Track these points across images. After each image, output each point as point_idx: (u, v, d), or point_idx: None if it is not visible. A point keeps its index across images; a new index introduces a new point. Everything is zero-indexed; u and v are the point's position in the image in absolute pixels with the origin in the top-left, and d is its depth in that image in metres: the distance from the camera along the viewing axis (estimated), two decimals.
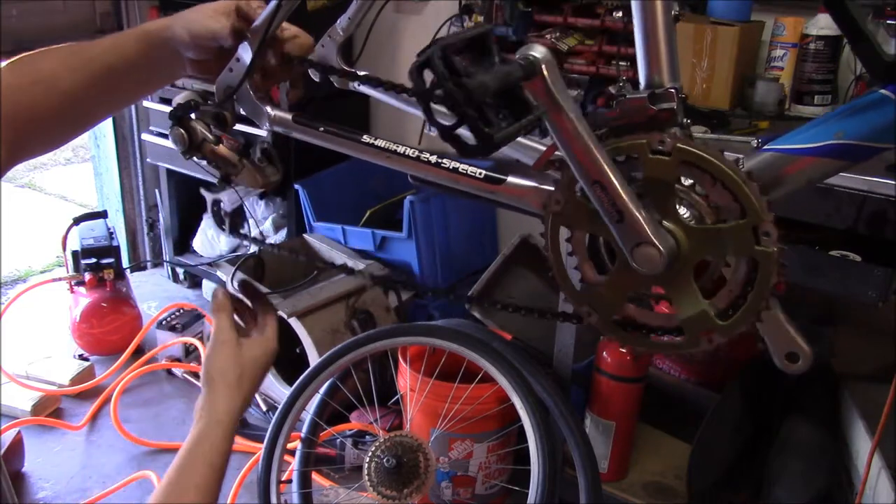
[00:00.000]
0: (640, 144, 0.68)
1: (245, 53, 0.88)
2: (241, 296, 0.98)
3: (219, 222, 1.19)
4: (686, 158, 0.66)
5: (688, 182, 0.70)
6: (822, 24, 1.73)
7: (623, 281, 0.73)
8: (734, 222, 0.65)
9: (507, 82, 0.58)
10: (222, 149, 0.97)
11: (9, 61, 0.73)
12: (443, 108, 0.57)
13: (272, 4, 0.83)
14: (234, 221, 1.18)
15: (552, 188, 0.75)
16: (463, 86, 0.54)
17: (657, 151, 0.67)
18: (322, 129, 0.92)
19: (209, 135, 0.95)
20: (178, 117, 0.94)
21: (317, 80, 1.02)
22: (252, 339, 0.93)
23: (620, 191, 0.66)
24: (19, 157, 0.75)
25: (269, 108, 0.97)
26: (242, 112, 0.99)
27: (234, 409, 0.88)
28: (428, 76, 0.57)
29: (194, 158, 0.97)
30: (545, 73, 0.62)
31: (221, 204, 1.12)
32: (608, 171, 0.66)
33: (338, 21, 1.03)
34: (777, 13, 1.84)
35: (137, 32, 0.81)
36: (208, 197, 1.15)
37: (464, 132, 0.58)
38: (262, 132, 1.05)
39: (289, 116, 0.96)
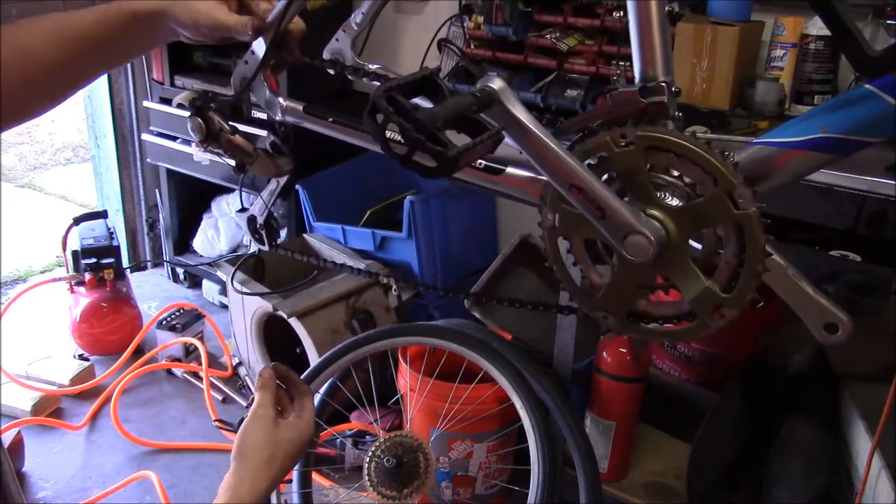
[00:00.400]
0: (604, 142, 0.70)
1: (259, 47, 0.90)
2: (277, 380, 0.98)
3: (256, 238, 1.20)
4: (649, 144, 0.69)
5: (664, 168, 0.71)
6: (822, 24, 1.73)
7: (627, 276, 0.74)
8: (709, 193, 0.67)
9: (457, 111, 0.63)
10: (238, 138, 1.00)
11: None
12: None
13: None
14: (270, 235, 1.20)
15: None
16: (412, 118, 0.59)
17: (622, 145, 0.69)
18: (331, 119, 0.95)
19: (226, 125, 0.98)
20: (198, 108, 0.97)
21: (332, 72, 1.04)
22: (290, 421, 0.93)
23: (596, 187, 0.68)
24: (5, 126, 0.76)
25: (281, 99, 0.99)
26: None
27: (259, 491, 0.86)
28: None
29: (211, 148, 1.00)
30: (504, 101, 0.67)
31: (257, 219, 1.13)
32: (580, 171, 0.68)
33: (352, 16, 1.05)
34: (777, 13, 1.84)
35: (126, 9, 0.79)
36: (241, 218, 1.18)
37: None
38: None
39: (300, 107, 0.99)
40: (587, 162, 0.73)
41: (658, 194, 0.71)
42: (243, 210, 1.19)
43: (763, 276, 0.67)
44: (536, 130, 0.68)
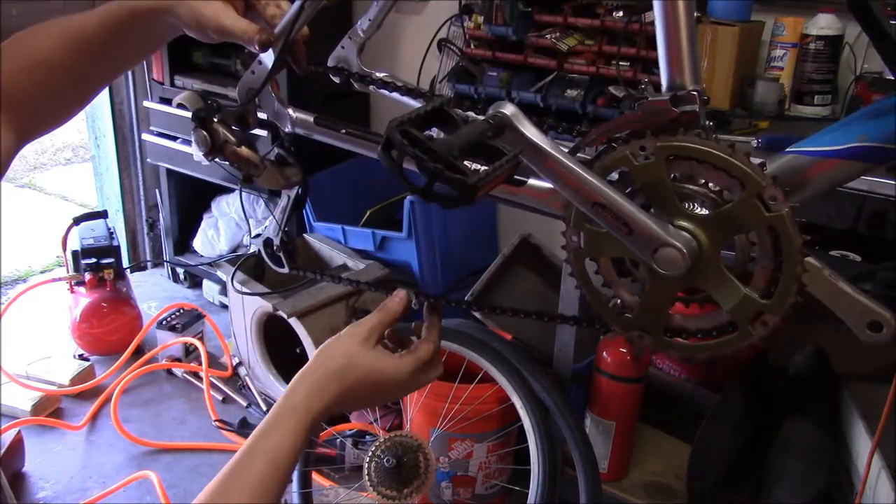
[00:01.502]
0: (623, 157, 0.69)
1: (267, 57, 0.88)
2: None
3: (276, 262, 1.15)
4: (669, 154, 0.67)
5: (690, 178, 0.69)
6: (822, 24, 1.73)
7: (660, 292, 0.72)
8: (738, 197, 0.65)
9: (472, 139, 0.62)
10: (244, 150, 0.96)
11: (3, 44, 0.72)
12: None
13: (295, 7, 0.82)
14: (289, 256, 1.15)
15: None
16: (428, 150, 0.58)
17: (641, 157, 0.68)
18: (344, 130, 0.93)
19: (231, 136, 0.95)
20: (201, 119, 0.94)
21: (338, 81, 1.02)
22: (386, 353, 0.81)
23: (620, 203, 0.67)
24: (29, 138, 0.75)
25: (290, 111, 0.97)
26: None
27: (315, 403, 0.76)
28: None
29: (216, 160, 0.97)
30: (517, 126, 0.66)
31: (273, 241, 1.08)
32: (602, 188, 0.67)
33: (358, 23, 1.03)
34: (777, 13, 1.84)
35: (129, 8, 0.77)
36: (257, 243, 1.12)
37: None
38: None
39: (310, 118, 0.96)
40: (609, 177, 0.71)
41: (685, 205, 0.69)
42: (257, 236, 1.15)
43: (802, 277, 0.65)
44: (553, 151, 0.67)
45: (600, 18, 1.97)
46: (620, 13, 1.94)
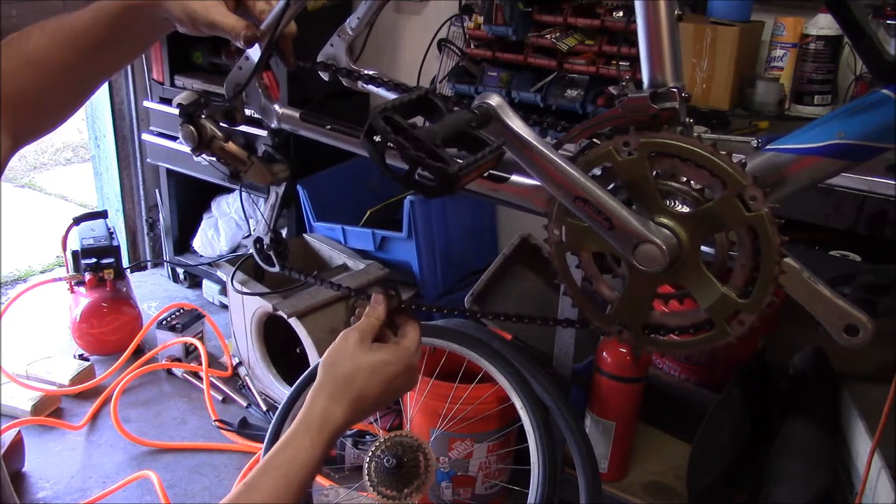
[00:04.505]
0: (607, 152, 0.69)
1: (254, 52, 0.89)
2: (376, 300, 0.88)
3: (266, 261, 1.15)
4: (652, 150, 0.67)
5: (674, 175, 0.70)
6: (822, 24, 1.73)
7: (639, 288, 0.72)
8: (719, 196, 0.65)
9: (456, 128, 0.62)
10: (231, 146, 0.97)
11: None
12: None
13: (280, 4, 0.82)
14: (280, 255, 1.14)
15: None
16: (411, 137, 0.58)
17: (625, 153, 0.68)
18: (329, 126, 0.93)
19: (218, 132, 0.95)
20: (189, 114, 0.94)
21: (326, 78, 1.02)
22: (384, 345, 0.84)
23: (601, 198, 0.67)
24: (25, 140, 0.75)
25: (277, 106, 0.97)
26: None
27: (332, 416, 0.78)
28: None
29: (203, 156, 0.97)
30: (502, 117, 0.67)
31: (263, 240, 1.06)
32: (585, 183, 0.67)
33: (347, 20, 1.03)
34: (777, 13, 1.84)
35: (118, 5, 0.77)
36: (249, 242, 1.11)
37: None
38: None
39: (296, 114, 0.96)
40: (592, 173, 0.71)
41: (666, 202, 0.69)
42: (249, 236, 1.15)
43: (779, 278, 0.65)
44: (537, 144, 0.67)
45: (600, 18, 1.97)
46: (620, 13, 1.94)
